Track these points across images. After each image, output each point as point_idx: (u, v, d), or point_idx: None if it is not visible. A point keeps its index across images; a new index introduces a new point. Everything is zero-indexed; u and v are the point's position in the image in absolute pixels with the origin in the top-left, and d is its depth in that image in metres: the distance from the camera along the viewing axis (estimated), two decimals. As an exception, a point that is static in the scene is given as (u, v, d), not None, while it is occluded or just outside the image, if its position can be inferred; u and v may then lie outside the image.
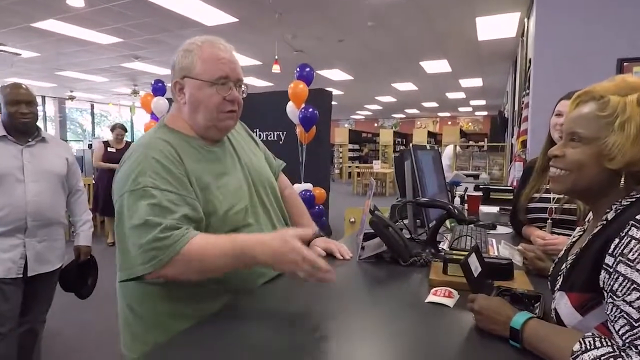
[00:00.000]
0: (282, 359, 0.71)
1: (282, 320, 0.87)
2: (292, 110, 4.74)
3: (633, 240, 0.62)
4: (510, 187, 2.93)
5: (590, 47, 3.03)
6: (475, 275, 0.92)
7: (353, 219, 4.29)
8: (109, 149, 5.10)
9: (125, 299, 1.05)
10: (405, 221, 1.59)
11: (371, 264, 1.27)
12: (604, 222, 0.71)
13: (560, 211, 1.49)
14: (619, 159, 0.69)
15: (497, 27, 5.47)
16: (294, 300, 1.00)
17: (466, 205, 2.25)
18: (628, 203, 0.70)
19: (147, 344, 1.01)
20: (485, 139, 11.46)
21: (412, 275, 1.17)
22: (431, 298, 0.96)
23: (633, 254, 0.61)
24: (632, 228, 0.63)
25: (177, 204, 0.92)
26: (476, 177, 4.77)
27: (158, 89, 6.08)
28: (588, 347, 0.62)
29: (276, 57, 5.96)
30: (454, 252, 1.18)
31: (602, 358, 0.59)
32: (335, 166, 15.31)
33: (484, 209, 2.40)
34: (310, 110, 4.60)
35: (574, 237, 0.88)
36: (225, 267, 0.90)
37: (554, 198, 1.52)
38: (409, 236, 1.51)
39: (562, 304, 0.74)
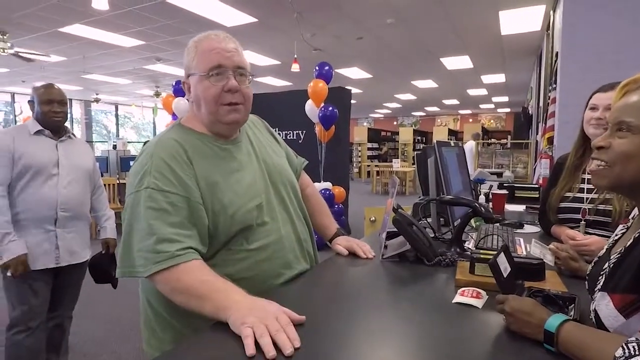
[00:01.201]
0: (302, 359, 0.69)
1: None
2: (312, 108, 4.74)
3: None
4: (536, 185, 2.83)
5: (620, 40, 2.90)
6: (505, 276, 0.88)
7: (373, 218, 4.25)
8: None
9: (145, 295, 1.06)
10: (429, 220, 1.56)
11: (394, 263, 1.25)
12: None
13: (594, 212, 1.43)
14: None
15: (521, 20, 5.32)
16: (314, 301, 0.98)
17: (491, 204, 2.19)
18: None
19: (164, 341, 1.01)
20: (509, 136, 11.20)
21: (437, 275, 1.14)
22: (458, 299, 0.93)
23: None
24: None
25: (177, 207, 0.92)
26: (499, 175, 4.66)
27: (179, 90, 6.19)
28: (633, 352, 0.57)
29: (295, 56, 5.97)
30: (481, 251, 1.14)
31: None
32: (354, 165, 15.24)
33: (510, 207, 2.33)
34: (330, 108, 4.59)
35: (616, 235, 0.83)
36: (200, 310, 0.83)
37: (587, 198, 1.46)
38: (432, 235, 1.48)
39: (604, 305, 0.70)
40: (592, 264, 0.85)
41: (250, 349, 0.69)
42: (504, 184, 2.83)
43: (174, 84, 6.24)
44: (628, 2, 2.88)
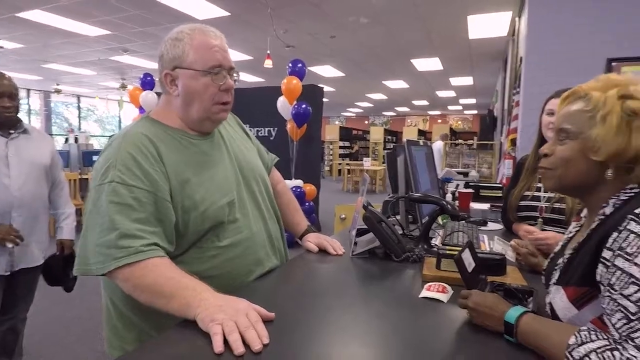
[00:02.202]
0: (271, 357, 0.69)
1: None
2: (284, 105, 4.71)
3: (632, 234, 0.62)
4: (500, 185, 2.95)
5: (580, 47, 3.06)
6: (469, 271, 0.91)
7: (344, 216, 4.29)
8: None
9: (108, 293, 1.03)
10: (398, 217, 1.59)
11: (364, 259, 1.27)
12: (602, 217, 0.71)
13: (550, 210, 1.50)
14: (602, 150, 0.70)
15: (488, 25, 5.50)
16: (284, 297, 0.98)
17: (457, 202, 2.25)
18: (626, 198, 0.70)
19: (128, 342, 0.99)
20: (475, 137, 11.56)
21: (405, 271, 1.17)
22: (425, 293, 0.95)
23: (631, 248, 0.61)
24: (631, 222, 0.63)
25: (142, 202, 0.89)
26: (466, 174, 4.81)
27: (147, 82, 6.02)
28: (584, 340, 0.62)
29: (268, 52, 5.92)
30: (447, 247, 1.17)
31: (598, 351, 0.59)
32: (326, 163, 15.30)
33: (475, 205, 2.41)
34: (304, 106, 4.59)
35: (570, 232, 0.88)
36: (167, 309, 0.80)
37: (544, 197, 1.53)
38: (401, 232, 1.51)
39: (558, 297, 0.74)
40: (549, 259, 0.90)
41: (218, 346, 0.68)
42: (470, 183, 2.93)
43: (141, 76, 6.06)
44: (590, 10, 3.03)
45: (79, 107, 15.36)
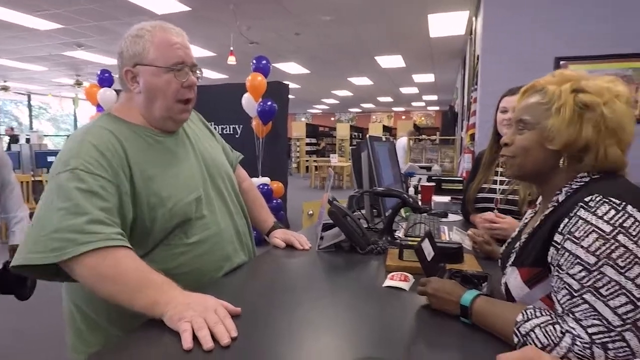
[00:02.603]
0: (241, 352, 0.71)
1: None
2: (249, 102, 4.67)
3: (580, 220, 0.68)
4: (460, 178, 3.07)
5: (532, 46, 3.23)
6: (429, 259, 0.96)
7: (311, 212, 4.32)
8: None
9: (71, 297, 1.00)
10: (363, 211, 1.63)
11: (330, 253, 1.29)
12: (555, 204, 0.77)
13: (505, 201, 1.59)
14: (557, 140, 0.76)
15: (447, 24, 5.68)
16: (252, 292, 0.99)
17: (420, 195, 2.34)
18: (577, 186, 0.76)
19: (93, 345, 0.97)
20: (437, 133, 11.92)
21: (370, 262, 1.21)
22: (388, 282, 0.99)
23: (579, 232, 0.67)
24: (581, 209, 0.69)
25: (108, 192, 0.87)
26: (429, 169, 4.96)
27: (105, 79, 5.77)
28: (530, 316, 0.68)
29: (231, 48, 5.83)
30: (409, 238, 1.22)
31: (542, 325, 0.65)
32: (293, 160, 15.27)
33: (436, 198, 2.50)
34: (269, 103, 4.56)
35: (526, 218, 0.95)
36: (131, 303, 0.79)
37: (500, 189, 1.62)
38: (366, 225, 1.55)
39: (513, 278, 0.80)
40: (506, 244, 0.96)
41: (187, 343, 0.69)
42: (432, 177, 3.04)
43: (98, 73, 5.81)
44: (540, 11, 3.20)
45: (29, 105, 14.49)
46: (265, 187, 4.56)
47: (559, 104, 0.76)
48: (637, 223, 0.64)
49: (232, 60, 5.70)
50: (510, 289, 0.81)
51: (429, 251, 0.97)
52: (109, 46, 7.07)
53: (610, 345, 0.60)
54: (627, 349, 0.60)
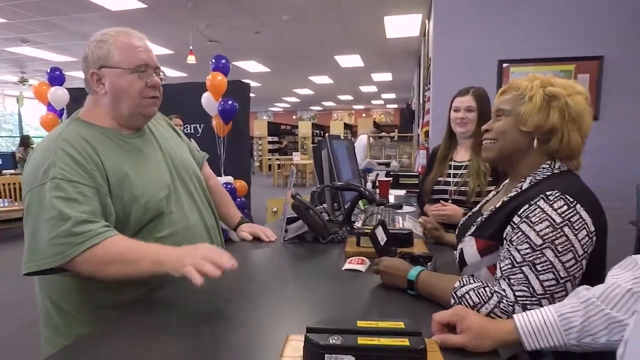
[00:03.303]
0: (216, 335, 0.79)
1: (211, 300, 0.95)
2: (209, 101, 4.65)
3: (538, 209, 0.82)
4: (416, 173, 3.28)
5: (477, 49, 3.47)
6: (382, 244, 1.09)
7: (275, 209, 4.39)
8: None
9: (47, 294, 1.04)
10: (324, 205, 1.74)
11: (294, 244, 1.40)
12: (519, 190, 0.91)
13: (458, 193, 1.76)
14: (529, 122, 0.90)
15: (402, 26, 5.92)
16: (223, 280, 1.07)
17: (378, 190, 2.49)
18: (541, 178, 0.90)
19: (69, 338, 1.01)
20: (396, 130, 12.30)
21: (331, 251, 1.32)
22: (347, 266, 1.11)
23: (535, 218, 0.81)
24: (541, 200, 0.82)
25: (87, 196, 0.93)
26: (388, 165, 5.18)
27: (55, 77, 5.51)
28: (464, 283, 0.83)
29: (191, 47, 5.76)
30: (366, 228, 1.35)
31: (475, 288, 0.81)
32: (255, 159, 15.20)
33: (394, 192, 2.67)
34: (230, 102, 4.57)
35: (489, 197, 1.10)
36: (138, 271, 0.90)
37: (453, 182, 1.78)
38: (327, 218, 1.66)
39: (469, 246, 0.95)
40: (466, 217, 1.10)
41: (196, 280, 0.80)
42: (390, 173, 3.22)
43: (48, 70, 5.54)
44: (484, 15, 3.44)
45: (-33, 104, 13.44)
46: (229, 186, 4.57)
47: (530, 94, 0.91)
48: (581, 219, 0.79)
49: (191, 59, 5.64)
50: (464, 255, 0.97)
51: (382, 236, 1.10)
52: (58, 42, 6.74)
53: (529, 307, 0.75)
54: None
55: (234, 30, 6.12)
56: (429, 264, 1.07)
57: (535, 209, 0.82)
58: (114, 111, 1.07)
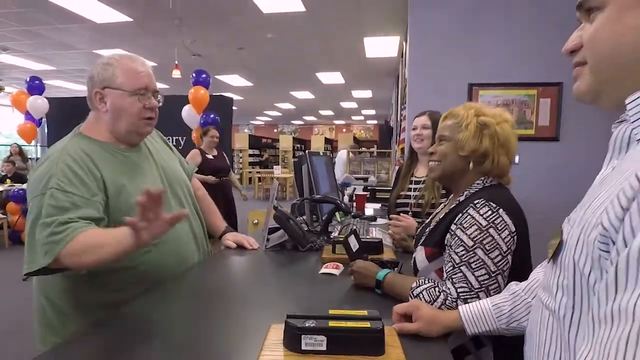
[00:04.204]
0: (203, 331, 0.90)
1: (202, 299, 1.05)
2: (190, 114, 4.75)
3: (469, 216, 0.97)
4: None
5: (449, 72, 3.71)
6: (354, 250, 1.21)
7: (256, 221, 4.47)
8: (207, 156, 4.10)
9: (43, 294, 1.12)
10: (304, 217, 1.87)
11: (276, 252, 1.51)
12: (457, 202, 1.06)
13: (417, 205, 1.93)
14: (466, 148, 1.05)
15: (381, 47, 6.19)
16: (208, 284, 1.18)
17: (355, 203, 2.63)
18: (474, 191, 1.05)
19: (64, 336, 1.09)
20: (375, 146, 12.59)
21: (309, 257, 1.44)
22: (323, 270, 1.24)
23: (466, 224, 0.96)
24: (470, 208, 0.98)
25: (78, 206, 1.03)
26: (366, 179, 5.35)
27: (35, 87, 5.52)
28: (420, 284, 0.97)
29: (176, 62, 5.85)
30: (341, 236, 1.47)
31: (427, 288, 0.95)
32: (236, 172, 15.20)
33: (370, 205, 2.82)
34: (212, 116, 4.67)
35: (438, 210, 1.26)
36: (116, 253, 0.98)
37: (413, 195, 1.96)
38: (306, 228, 1.78)
39: (420, 254, 1.10)
40: (420, 229, 1.25)
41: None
42: (367, 187, 3.38)
43: (28, 79, 5.53)
44: (454, 40, 3.69)
45: (-64, 111, 13.01)
46: (210, 198, 4.63)
47: (466, 123, 1.06)
48: (503, 222, 0.94)
49: (177, 74, 5.72)
50: (417, 262, 1.12)
51: (354, 244, 1.23)
52: (39, 51, 6.71)
53: (469, 300, 0.90)
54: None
55: (218, 46, 6.26)
56: (395, 269, 1.20)
57: (466, 216, 0.96)
58: (113, 127, 1.18)
